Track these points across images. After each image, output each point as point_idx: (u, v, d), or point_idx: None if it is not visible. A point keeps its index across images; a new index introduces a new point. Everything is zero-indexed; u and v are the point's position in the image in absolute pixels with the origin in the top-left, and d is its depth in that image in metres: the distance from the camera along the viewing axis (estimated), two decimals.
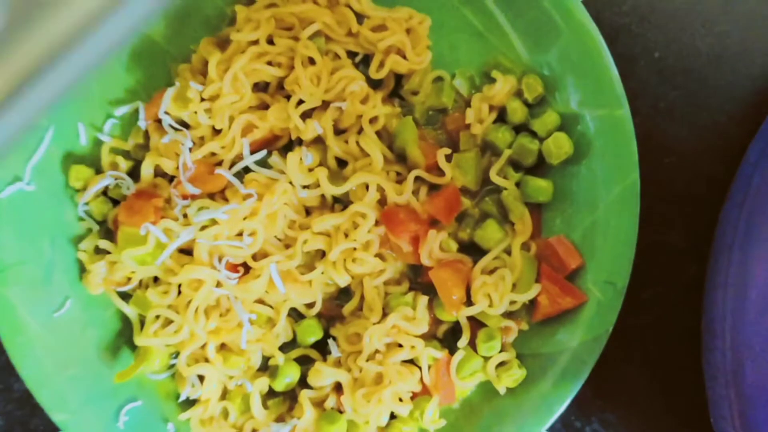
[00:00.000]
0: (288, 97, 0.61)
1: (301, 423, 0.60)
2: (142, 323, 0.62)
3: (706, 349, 0.59)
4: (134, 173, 0.63)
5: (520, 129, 0.62)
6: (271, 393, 0.62)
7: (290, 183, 0.60)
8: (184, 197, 0.60)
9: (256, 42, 0.61)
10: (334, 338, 0.62)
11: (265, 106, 0.62)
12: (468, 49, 0.63)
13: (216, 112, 0.60)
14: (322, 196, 0.62)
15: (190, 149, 0.61)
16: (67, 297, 0.62)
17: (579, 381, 0.59)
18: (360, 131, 0.62)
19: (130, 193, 0.61)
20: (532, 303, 0.61)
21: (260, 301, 0.61)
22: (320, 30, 0.61)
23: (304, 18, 0.61)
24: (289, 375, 0.61)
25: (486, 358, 0.61)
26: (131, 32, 0.30)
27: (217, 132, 0.61)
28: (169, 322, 0.61)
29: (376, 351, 0.60)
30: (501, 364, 0.61)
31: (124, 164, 0.63)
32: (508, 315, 0.61)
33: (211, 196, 0.61)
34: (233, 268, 0.61)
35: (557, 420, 0.61)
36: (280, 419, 0.62)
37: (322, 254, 0.61)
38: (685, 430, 0.64)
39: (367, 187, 0.60)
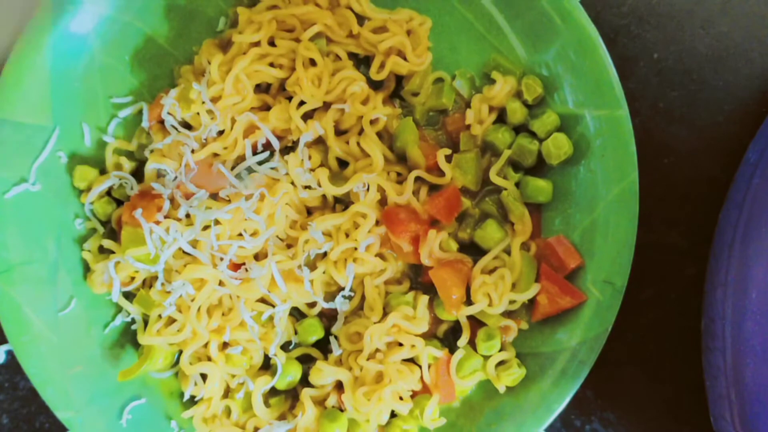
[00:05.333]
0: (289, 99, 0.62)
1: (302, 421, 0.60)
2: (146, 322, 0.63)
3: (706, 350, 0.59)
4: (137, 173, 0.64)
5: (519, 130, 0.62)
6: (273, 391, 0.62)
7: (292, 183, 0.61)
8: (187, 197, 0.61)
9: (257, 44, 0.61)
10: (336, 337, 0.62)
11: (266, 108, 0.63)
12: (468, 51, 0.63)
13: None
14: (323, 196, 0.62)
15: (193, 150, 0.61)
16: (71, 296, 0.63)
17: (578, 380, 0.59)
18: (361, 132, 0.62)
19: (134, 193, 0.62)
20: (532, 302, 0.61)
21: (262, 300, 0.62)
22: (321, 31, 0.62)
23: (306, 20, 0.62)
24: (291, 373, 0.61)
25: (486, 357, 0.61)
26: None
27: (219, 133, 0.62)
28: (172, 321, 0.62)
29: (377, 350, 0.60)
30: (501, 363, 0.61)
31: (128, 165, 0.63)
32: (508, 314, 0.61)
33: (213, 196, 0.61)
34: (235, 267, 0.61)
35: (557, 419, 0.62)
36: (281, 417, 0.62)
37: (324, 253, 0.62)
38: (685, 430, 0.64)
39: (367, 187, 0.61)
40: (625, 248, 0.59)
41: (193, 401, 0.63)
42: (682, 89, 0.64)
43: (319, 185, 0.61)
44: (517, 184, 0.62)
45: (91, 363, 0.62)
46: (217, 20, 0.64)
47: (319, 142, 0.63)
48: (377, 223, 0.61)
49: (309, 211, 0.63)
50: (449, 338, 0.62)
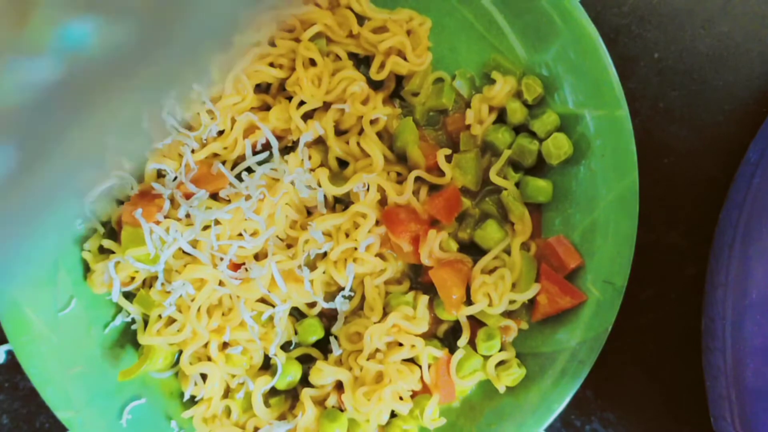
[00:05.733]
0: (289, 99, 0.62)
1: (302, 421, 0.60)
2: (146, 322, 0.63)
3: (706, 350, 0.59)
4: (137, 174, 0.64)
5: (519, 129, 0.62)
6: (273, 391, 0.62)
7: (291, 183, 0.61)
8: (187, 197, 0.61)
9: (257, 44, 0.61)
10: (336, 337, 0.62)
11: (266, 108, 0.63)
12: (468, 51, 0.63)
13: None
14: (324, 196, 0.62)
15: (193, 150, 0.61)
16: (71, 296, 0.62)
17: (578, 380, 0.59)
18: (361, 132, 0.62)
19: (134, 193, 0.62)
20: (532, 302, 0.61)
21: (262, 300, 0.62)
22: (321, 31, 0.62)
23: (306, 20, 0.62)
24: (291, 373, 0.61)
25: (486, 357, 0.61)
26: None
27: (219, 133, 0.62)
28: (172, 321, 0.62)
29: (377, 350, 0.61)
30: (501, 363, 0.61)
31: (128, 164, 0.63)
32: (508, 314, 0.61)
33: (213, 196, 0.61)
34: (235, 267, 0.61)
35: (557, 419, 0.61)
36: (281, 417, 0.62)
37: (324, 253, 0.62)
38: (685, 430, 0.64)
39: (367, 187, 0.61)
40: (625, 248, 0.59)
41: (193, 401, 0.63)
42: (682, 89, 0.64)
43: (319, 185, 0.61)
44: (517, 184, 0.62)
45: (91, 363, 0.62)
46: None
47: (319, 142, 0.63)
48: (377, 223, 0.61)
49: (309, 211, 0.63)
50: (449, 338, 0.62)
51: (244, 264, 0.61)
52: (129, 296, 0.63)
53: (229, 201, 0.61)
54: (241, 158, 0.62)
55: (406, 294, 0.61)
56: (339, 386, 0.61)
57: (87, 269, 0.63)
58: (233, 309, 0.61)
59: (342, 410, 0.61)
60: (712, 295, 0.59)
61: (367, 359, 0.60)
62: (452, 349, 0.61)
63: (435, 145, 0.63)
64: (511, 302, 0.61)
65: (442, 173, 0.61)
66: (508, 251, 0.61)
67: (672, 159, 0.64)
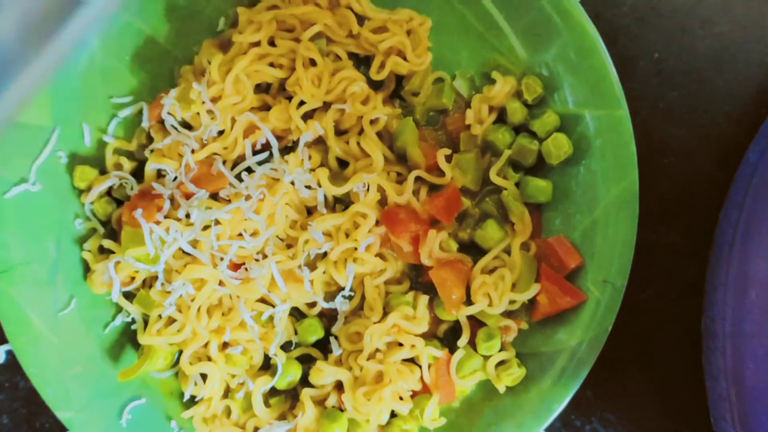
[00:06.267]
0: (289, 99, 0.62)
1: (302, 421, 0.60)
2: (146, 322, 0.63)
3: (706, 350, 0.59)
4: (137, 173, 0.64)
5: (519, 129, 0.62)
6: (273, 391, 0.62)
7: (291, 183, 0.61)
8: (187, 197, 0.61)
9: (257, 44, 0.61)
10: (336, 337, 0.62)
11: (267, 108, 0.63)
12: (468, 51, 0.63)
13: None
14: (324, 196, 0.62)
15: (193, 150, 0.61)
16: (71, 296, 0.63)
17: (578, 380, 0.59)
18: (361, 132, 0.62)
19: (134, 193, 0.62)
20: (532, 302, 0.61)
21: (262, 300, 0.62)
22: (321, 31, 0.62)
23: (306, 20, 0.62)
24: (291, 373, 0.61)
25: (486, 357, 0.61)
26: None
27: (219, 133, 0.62)
28: (172, 321, 0.62)
29: (377, 350, 0.61)
30: (501, 363, 0.61)
31: (128, 165, 0.63)
32: (508, 314, 0.61)
33: (213, 196, 0.61)
34: (235, 267, 0.61)
35: (557, 419, 0.61)
36: (281, 417, 0.62)
37: (324, 253, 0.62)
38: (685, 430, 0.64)
39: (367, 187, 0.61)
40: (625, 248, 0.59)
41: (193, 401, 0.63)
42: (682, 89, 0.64)
43: (319, 185, 0.61)
44: (517, 184, 0.62)
45: (91, 363, 0.63)
46: (217, 20, 0.64)
47: (319, 142, 0.63)
48: (377, 223, 0.61)
49: (309, 211, 0.63)
50: (449, 338, 0.62)
51: (244, 264, 0.61)
52: (129, 296, 0.63)
53: (229, 201, 0.61)
54: (241, 158, 0.62)
55: (406, 294, 0.61)
56: (339, 386, 0.61)
57: (87, 269, 0.63)
58: (233, 309, 0.61)
59: (342, 410, 0.61)
60: (712, 295, 0.59)
61: (367, 359, 0.60)
62: (452, 349, 0.61)
63: (435, 145, 0.63)
64: (511, 302, 0.61)
65: (442, 173, 0.61)
66: (508, 251, 0.61)
67: (672, 159, 0.64)
